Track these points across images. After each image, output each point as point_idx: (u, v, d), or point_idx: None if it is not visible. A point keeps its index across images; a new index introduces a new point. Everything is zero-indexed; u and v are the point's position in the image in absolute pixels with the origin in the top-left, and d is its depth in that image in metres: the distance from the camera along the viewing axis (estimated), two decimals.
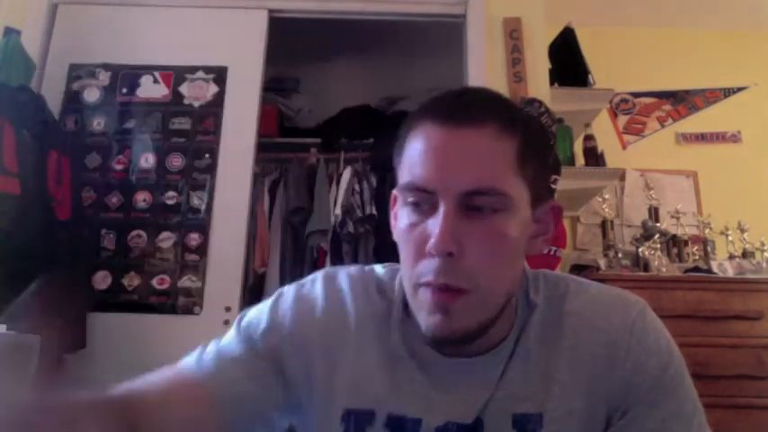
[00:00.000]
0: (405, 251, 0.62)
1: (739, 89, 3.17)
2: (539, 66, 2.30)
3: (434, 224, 0.58)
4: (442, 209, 0.58)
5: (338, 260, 2.58)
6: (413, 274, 0.61)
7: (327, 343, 0.67)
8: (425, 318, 0.60)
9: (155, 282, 2.11)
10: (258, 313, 0.70)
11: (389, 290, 0.71)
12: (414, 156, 0.61)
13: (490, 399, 0.64)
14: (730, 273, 2.32)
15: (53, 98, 2.21)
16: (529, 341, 0.66)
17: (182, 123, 2.28)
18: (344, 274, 0.73)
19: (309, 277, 0.74)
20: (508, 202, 0.60)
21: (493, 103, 0.64)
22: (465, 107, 0.62)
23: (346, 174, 2.67)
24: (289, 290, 0.72)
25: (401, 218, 0.63)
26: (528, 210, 0.63)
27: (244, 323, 0.70)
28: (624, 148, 3.12)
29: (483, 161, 0.59)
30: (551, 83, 2.35)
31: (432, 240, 0.57)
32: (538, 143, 0.65)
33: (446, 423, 0.64)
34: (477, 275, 0.59)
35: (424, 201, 0.60)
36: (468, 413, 0.64)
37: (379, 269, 0.75)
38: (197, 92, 2.31)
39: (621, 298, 0.68)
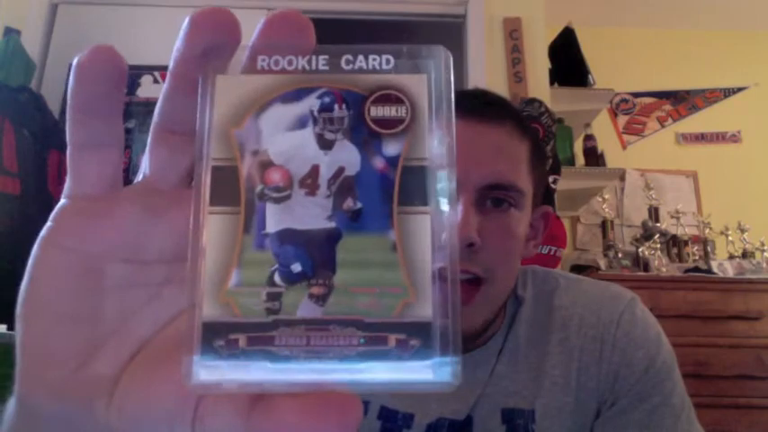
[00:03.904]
0: None
1: (739, 89, 3.17)
2: (539, 66, 2.30)
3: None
4: (461, 199, 0.58)
5: None
6: None
7: None
8: None
9: None
10: None
11: None
12: None
13: (481, 395, 0.64)
14: (730, 273, 2.32)
15: (53, 98, 2.21)
16: (518, 336, 0.67)
17: None
18: None
19: None
20: (522, 199, 0.61)
21: (508, 105, 0.66)
22: (485, 104, 0.63)
23: None
24: None
25: None
26: (530, 211, 0.64)
27: None
28: (624, 148, 3.12)
29: (503, 156, 0.60)
30: (551, 83, 2.35)
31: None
32: (542, 149, 0.67)
33: (438, 419, 0.64)
34: (493, 267, 0.59)
35: None
36: (460, 410, 0.64)
37: None
38: None
39: (611, 292, 0.69)
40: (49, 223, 0.21)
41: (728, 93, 3.17)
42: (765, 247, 2.46)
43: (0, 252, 1.71)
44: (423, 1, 2.44)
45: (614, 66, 2.95)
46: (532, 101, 2.15)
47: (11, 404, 0.22)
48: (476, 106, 0.62)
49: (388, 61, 0.19)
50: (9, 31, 2.21)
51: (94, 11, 2.39)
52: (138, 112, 2.28)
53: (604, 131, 2.91)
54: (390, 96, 0.19)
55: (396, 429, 0.64)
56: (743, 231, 2.54)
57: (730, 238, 2.57)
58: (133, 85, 2.31)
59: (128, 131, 2.26)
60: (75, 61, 0.20)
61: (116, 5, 2.39)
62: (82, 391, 0.20)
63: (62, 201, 0.22)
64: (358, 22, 2.53)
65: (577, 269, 2.39)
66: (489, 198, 0.59)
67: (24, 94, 1.99)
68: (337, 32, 2.88)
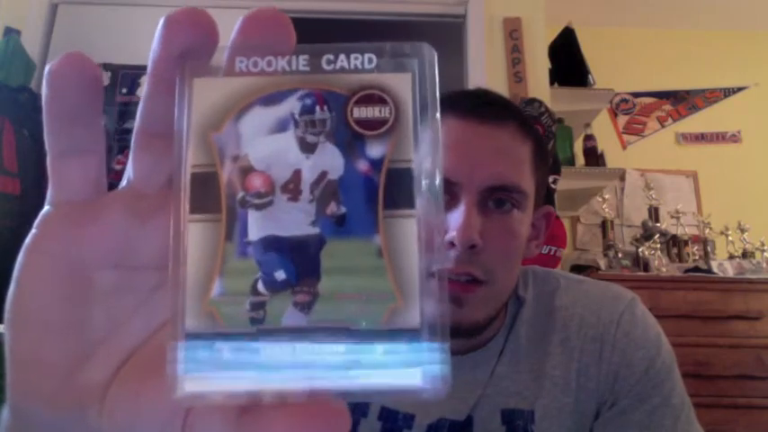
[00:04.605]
0: None
1: (739, 89, 3.17)
2: (539, 66, 2.30)
3: (456, 216, 0.57)
4: (464, 201, 0.58)
5: None
6: None
7: None
8: None
9: None
10: None
11: None
12: None
13: (482, 395, 0.64)
14: (730, 273, 2.32)
15: None
16: (519, 337, 0.66)
17: None
18: None
19: None
20: (525, 200, 0.60)
21: (511, 106, 0.66)
22: (488, 104, 0.63)
23: None
24: None
25: None
26: (532, 212, 0.64)
27: None
28: (624, 148, 3.12)
29: (506, 157, 0.60)
30: (551, 83, 2.35)
31: (454, 232, 0.56)
32: (545, 149, 0.66)
33: (438, 420, 0.64)
34: (493, 269, 0.59)
35: (444, 193, 0.59)
36: (461, 410, 0.64)
37: None
38: None
39: (611, 292, 0.68)
40: (33, 230, 0.21)
41: (728, 93, 3.17)
42: (765, 247, 2.46)
43: (0, 252, 1.72)
44: (423, 1, 2.45)
45: (614, 66, 2.95)
46: (532, 101, 2.15)
47: (6, 408, 0.22)
48: (477, 106, 0.62)
49: (370, 60, 0.18)
50: (9, 31, 2.21)
51: (94, 11, 2.39)
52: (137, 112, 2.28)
53: (604, 131, 2.90)
54: (373, 96, 0.18)
55: (396, 430, 0.64)
56: (743, 231, 2.54)
57: (730, 238, 2.57)
58: (133, 84, 2.31)
59: (127, 131, 2.26)
60: (46, 70, 0.20)
61: (116, 5, 2.39)
62: (74, 398, 0.20)
63: (45, 208, 0.22)
64: (357, 22, 2.53)
65: (577, 269, 2.39)
66: (491, 199, 0.59)
67: (24, 94, 1.99)
68: (336, 33, 2.88)
